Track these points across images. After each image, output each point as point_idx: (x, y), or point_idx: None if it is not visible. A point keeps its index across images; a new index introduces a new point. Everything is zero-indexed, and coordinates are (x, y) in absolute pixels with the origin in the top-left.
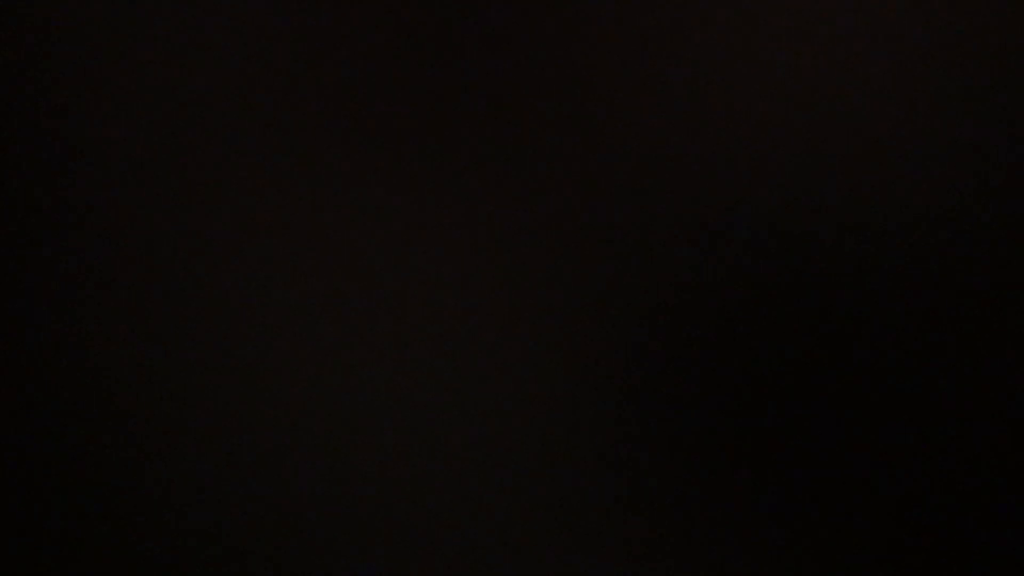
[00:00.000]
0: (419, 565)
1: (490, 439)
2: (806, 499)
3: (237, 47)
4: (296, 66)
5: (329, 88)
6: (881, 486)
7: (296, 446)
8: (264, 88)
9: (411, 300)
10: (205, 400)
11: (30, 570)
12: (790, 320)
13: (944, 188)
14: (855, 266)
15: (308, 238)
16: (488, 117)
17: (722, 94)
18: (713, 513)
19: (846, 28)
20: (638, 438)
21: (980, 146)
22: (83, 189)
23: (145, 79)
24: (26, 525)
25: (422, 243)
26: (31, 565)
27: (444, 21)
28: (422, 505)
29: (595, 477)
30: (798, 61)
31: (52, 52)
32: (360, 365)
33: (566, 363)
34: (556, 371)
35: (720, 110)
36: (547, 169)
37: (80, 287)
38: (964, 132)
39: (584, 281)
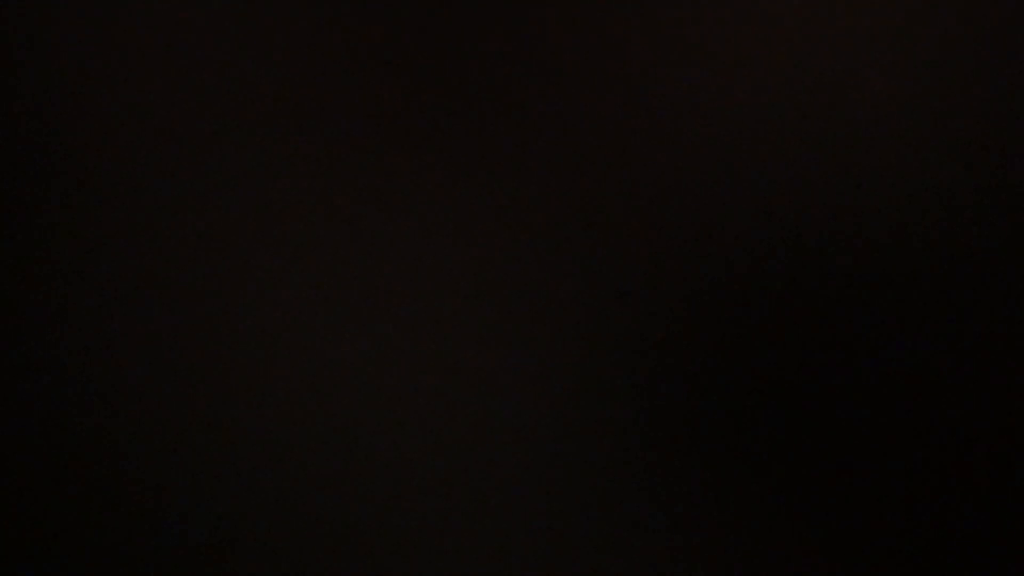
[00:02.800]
0: (419, 565)
1: (491, 440)
2: (808, 500)
3: (238, 47)
4: (296, 66)
5: (330, 88)
6: (882, 488)
7: (298, 447)
8: (264, 89)
9: (413, 300)
10: (206, 400)
11: (30, 570)
12: (792, 321)
13: (945, 189)
14: (857, 267)
15: (309, 239)
16: (489, 118)
17: (724, 95)
18: (714, 513)
19: (847, 28)
20: (639, 439)
21: (980, 146)
22: (84, 189)
23: (148, 80)
24: (26, 525)
25: (424, 243)
26: (31, 565)
27: (446, 21)
28: (423, 506)
29: (596, 478)
30: (799, 61)
31: (52, 52)
32: (362, 365)
33: (567, 363)
34: (557, 371)
35: (722, 111)
36: (549, 170)
37: (81, 287)
38: (964, 132)
39: (585, 282)
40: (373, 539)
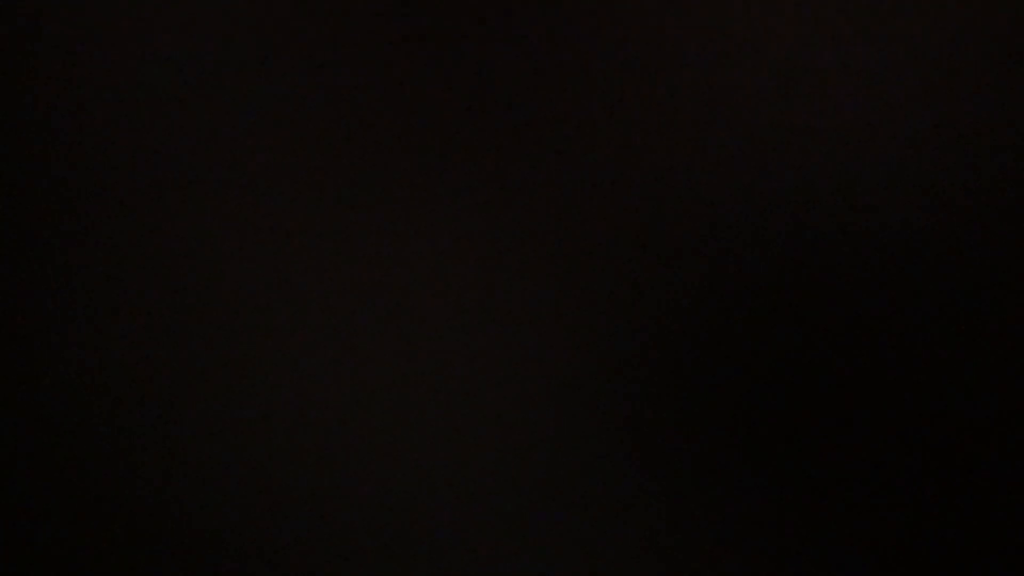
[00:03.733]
0: (419, 566)
1: (491, 440)
2: (809, 501)
3: (237, 47)
4: (295, 66)
5: (329, 88)
6: (883, 489)
7: (297, 448)
8: (262, 88)
9: (413, 300)
10: (206, 401)
11: (30, 570)
12: (793, 321)
13: (946, 189)
14: (858, 268)
15: (309, 239)
16: (489, 118)
17: (724, 94)
18: (714, 513)
19: (849, 27)
20: (639, 440)
21: (980, 146)
22: (83, 190)
23: (145, 79)
24: (26, 525)
25: (424, 243)
26: (31, 565)
27: (446, 20)
28: (423, 506)
29: (595, 479)
30: (801, 60)
31: (51, 51)
32: (361, 366)
33: (567, 363)
34: (557, 372)
35: (722, 110)
36: (549, 168)
37: (81, 288)
38: (965, 132)
39: (585, 282)
40: (373, 540)
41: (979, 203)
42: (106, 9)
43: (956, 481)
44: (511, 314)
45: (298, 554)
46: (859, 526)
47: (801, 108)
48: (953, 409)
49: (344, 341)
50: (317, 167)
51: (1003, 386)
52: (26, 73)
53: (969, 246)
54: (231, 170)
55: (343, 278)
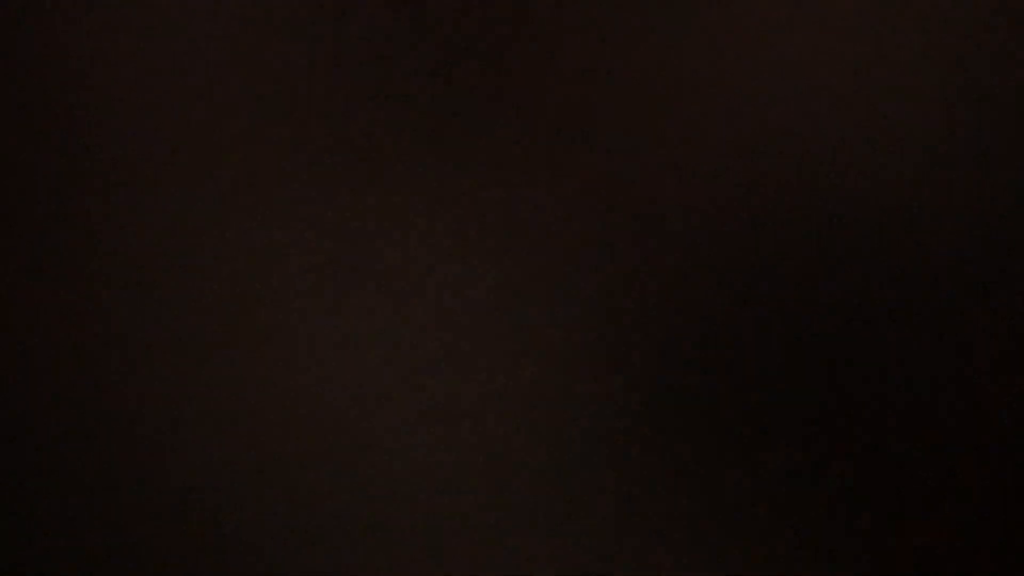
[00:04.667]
0: (419, 565)
1: (491, 440)
2: (807, 500)
3: (237, 46)
4: (295, 65)
5: (332, 88)
6: (882, 487)
7: (297, 448)
8: (263, 88)
9: (414, 300)
10: (207, 401)
11: (30, 570)
12: (793, 320)
13: (946, 188)
14: (858, 266)
15: (312, 239)
16: (490, 118)
17: (725, 93)
18: (713, 513)
19: (850, 26)
20: (640, 438)
21: (981, 146)
22: (82, 190)
23: (144, 79)
24: (26, 525)
25: (425, 243)
26: (31, 565)
27: (447, 20)
28: (424, 506)
29: (595, 478)
30: (802, 59)
31: (52, 51)
32: (361, 366)
33: (567, 363)
34: (558, 371)
35: (723, 110)
36: (550, 167)
37: (81, 288)
38: (965, 132)
39: (586, 281)
40: (373, 539)
41: (978, 201)
42: (104, 7)
43: (953, 476)
44: (510, 312)
45: (297, 553)
46: (858, 524)
47: (799, 107)
48: (953, 407)
49: (343, 339)
50: (317, 166)
51: (1002, 382)
52: (26, 72)
53: (968, 244)
54: (229, 168)
55: (343, 276)
